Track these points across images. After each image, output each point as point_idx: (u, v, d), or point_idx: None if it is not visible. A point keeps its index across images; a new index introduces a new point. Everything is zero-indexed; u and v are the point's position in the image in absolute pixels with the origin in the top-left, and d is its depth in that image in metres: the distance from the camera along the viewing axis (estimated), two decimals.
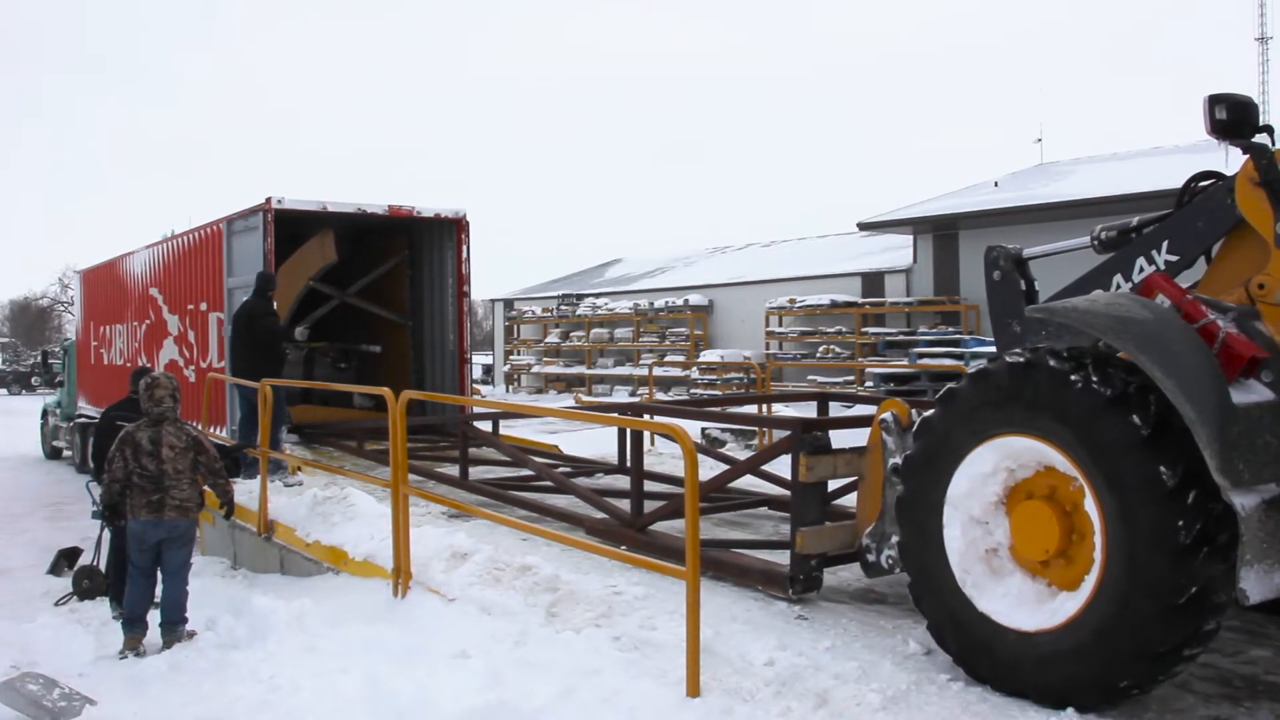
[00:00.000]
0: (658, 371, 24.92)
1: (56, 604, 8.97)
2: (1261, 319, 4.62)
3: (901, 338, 23.30)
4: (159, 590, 7.29)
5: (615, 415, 7.66)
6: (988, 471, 4.65)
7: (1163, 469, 4.01)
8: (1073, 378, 4.28)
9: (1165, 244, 5.16)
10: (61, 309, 67.67)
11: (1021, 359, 4.52)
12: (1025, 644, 4.45)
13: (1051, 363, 4.39)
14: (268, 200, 12.16)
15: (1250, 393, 4.26)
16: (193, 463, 7.28)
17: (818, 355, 25.09)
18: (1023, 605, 4.53)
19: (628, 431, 8.54)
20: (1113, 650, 4.16)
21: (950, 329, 22.52)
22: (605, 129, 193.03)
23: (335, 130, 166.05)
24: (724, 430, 15.29)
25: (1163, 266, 5.14)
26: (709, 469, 9.05)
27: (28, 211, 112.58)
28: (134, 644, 7.04)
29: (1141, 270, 5.20)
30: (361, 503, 8.41)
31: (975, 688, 4.64)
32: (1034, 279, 5.96)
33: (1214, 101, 4.71)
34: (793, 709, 4.53)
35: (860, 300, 24.93)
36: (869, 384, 21.95)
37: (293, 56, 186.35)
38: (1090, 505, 4.25)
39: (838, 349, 24.79)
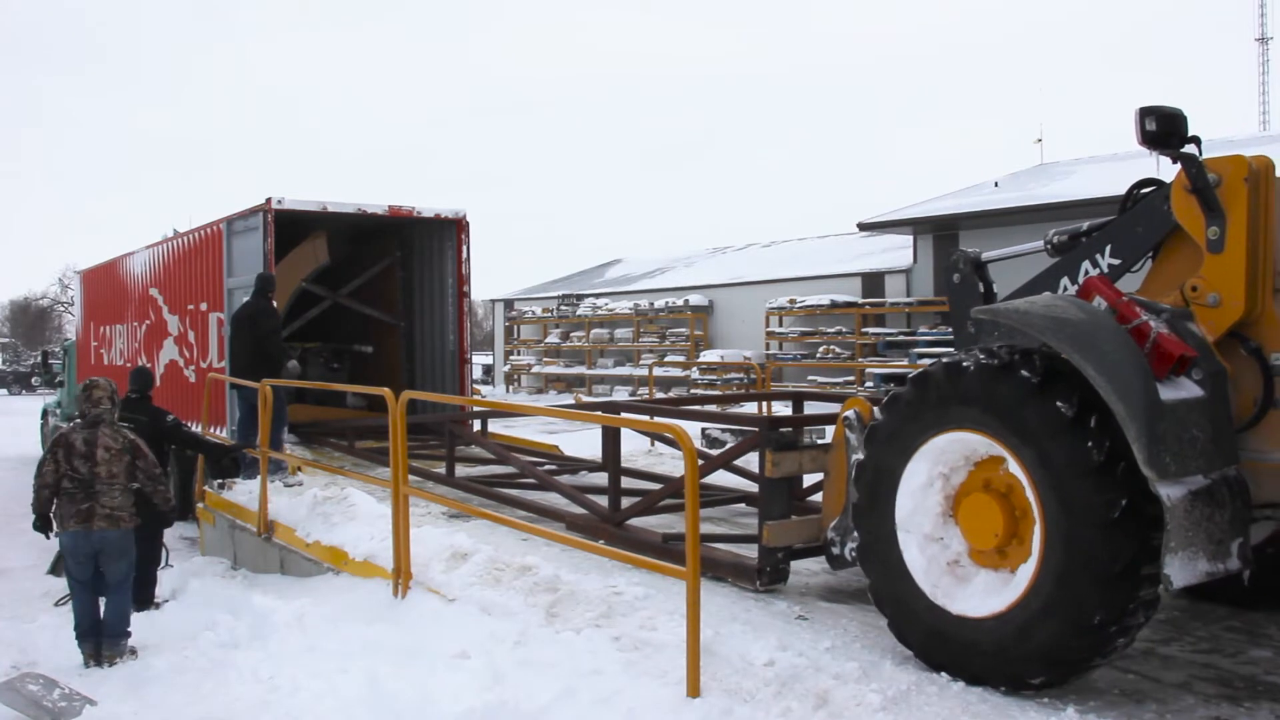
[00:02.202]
0: (658, 372, 24.93)
1: (56, 604, 8.95)
2: (1194, 319, 4.82)
3: (901, 338, 23.31)
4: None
5: (600, 415, 7.69)
6: (924, 482, 4.90)
7: (1059, 404, 4.33)
8: (964, 363, 4.67)
9: (1108, 248, 5.36)
10: (61, 309, 67.68)
11: (923, 370, 4.90)
12: (1003, 625, 4.55)
13: (944, 360, 4.78)
14: (268, 200, 12.16)
15: (1179, 389, 4.46)
16: (128, 468, 6.99)
17: (818, 356, 25.09)
18: (991, 593, 4.68)
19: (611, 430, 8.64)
20: (1076, 588, 4.28)
21: (950, 329, 22.48)
22: (606, 128, 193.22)
23: (336, 130, 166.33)
24: (724, 430, 15.27)
25: (1106, 270, 5.33)
26: None
27: (28, 211, 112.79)
28: (93, 657, 6.94)
29: (1087, 273, 5.40)
30: (361, 503, 8.41)
31: (975, 688, 4.64)
32: (992, 282, 6.14)
33: (1144, 114, 4.89)
34: (793, 709, 4.53)
35: (860, 300, 24.92)
36: (869, 384, 21.95)
37: (293, 56, 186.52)
38: (1014, 468, 4.50)
39: (838, 349, 24.79)
